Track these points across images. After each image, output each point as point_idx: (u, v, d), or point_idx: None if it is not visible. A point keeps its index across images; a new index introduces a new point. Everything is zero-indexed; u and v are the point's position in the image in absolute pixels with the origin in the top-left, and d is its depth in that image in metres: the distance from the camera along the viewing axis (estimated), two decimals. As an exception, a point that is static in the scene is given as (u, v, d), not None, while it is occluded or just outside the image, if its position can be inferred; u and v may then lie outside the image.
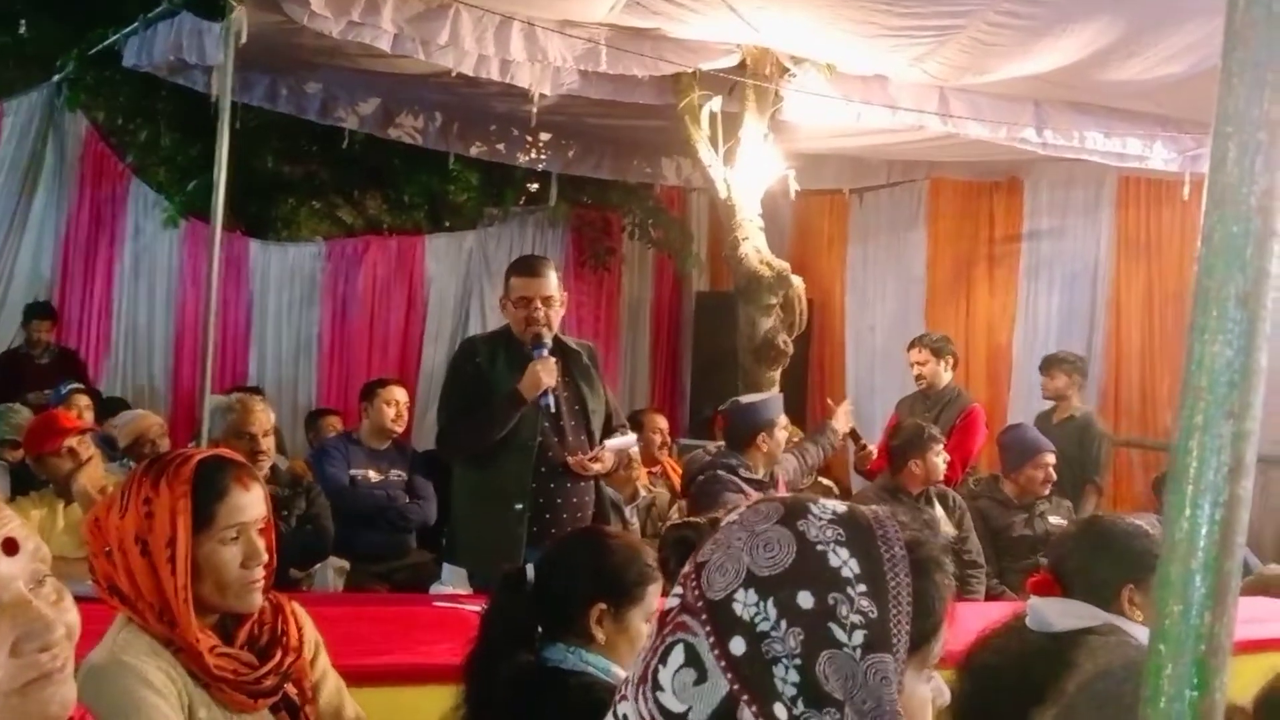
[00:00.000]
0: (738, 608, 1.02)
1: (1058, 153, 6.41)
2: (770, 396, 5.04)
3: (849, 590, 1.02)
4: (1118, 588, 2.52)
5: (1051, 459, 5.40)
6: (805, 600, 1.01)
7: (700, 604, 1.05)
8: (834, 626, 1.00)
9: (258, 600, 2.05)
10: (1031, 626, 2.55)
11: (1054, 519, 5.29)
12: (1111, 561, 2.56)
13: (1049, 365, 6.69)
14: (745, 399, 4.88)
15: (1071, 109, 6.16)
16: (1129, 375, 7.84)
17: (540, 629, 2.20)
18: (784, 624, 1.00)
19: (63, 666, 1.19)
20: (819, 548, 1.04)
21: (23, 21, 8.30)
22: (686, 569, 1.10)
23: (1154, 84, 5.58)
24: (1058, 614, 2.55)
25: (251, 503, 2.06)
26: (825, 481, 6.63)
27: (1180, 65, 5.27)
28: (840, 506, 1.10)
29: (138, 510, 1.96)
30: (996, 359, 8.28)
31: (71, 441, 4.31)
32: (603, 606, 2.18)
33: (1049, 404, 6.79)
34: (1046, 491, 5.43)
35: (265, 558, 2.05)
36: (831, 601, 1.01)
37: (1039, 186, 8.14)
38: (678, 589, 1.10)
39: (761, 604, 1.01)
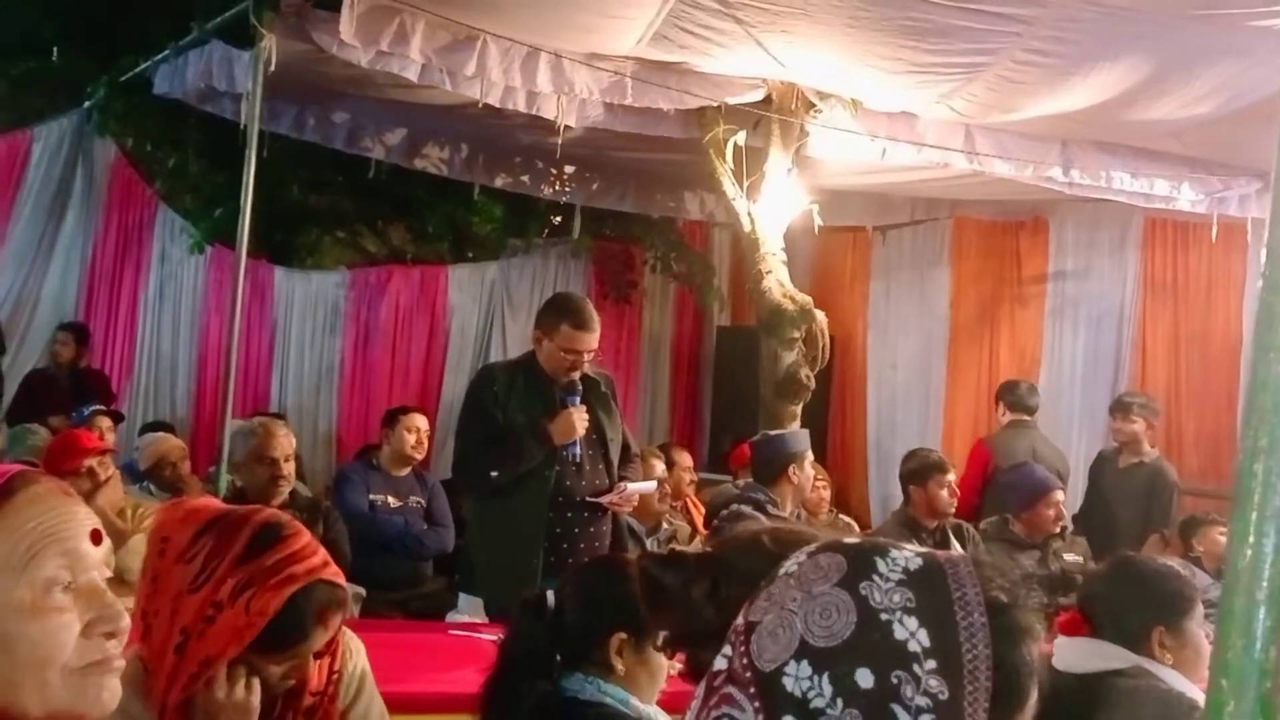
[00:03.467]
0: (789, 682, 0.93)
1: (1084, 192, 6.38)
2: (798, 430, 5.01)
3: (915, 667, 0.91)
4: (1148, 630, 2.48)
5: (1062, 496, 5.28)
6: (864, 678, 0.91)
7: (749, 674, 0.96)
8: (897, 709, 0.91)
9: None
10: (1058, 667, 2.50)
11: (1070, 556, 5.17)
12: (1142, 603, 2.52)
13: (1125, 408, 6.22)
14: (774, 431, 4.84)
15: (1098, 149, 6.12)
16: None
17: (559, 658, 2.17)
18: (840, 703, 0.91)
19: (119, 658, 1.23)
20: (883, 617, 0.93)
21: (54, 49, 8.37)
22: (737, 624, 1.01)
23: (1182, 124, 5.55)
24: (1086, 655, 2.51)
25: (333, 627, 1.83)
26: (845, 518, 6.56)
27: (1209, 105, 5.25)
28: (914, 560, 0.98)
29: (202, 608, 1.73)
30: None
31: (91, 462, 4.30)
32: (623, 636, 2.14)
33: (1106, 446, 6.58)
34: (1059, 529, 5.31)
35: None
36: (895, 680, 0.91)
37: (1065, 226, 8.07)
38: (726, 649, 1.00)
39: (815, 679, 0.92)
